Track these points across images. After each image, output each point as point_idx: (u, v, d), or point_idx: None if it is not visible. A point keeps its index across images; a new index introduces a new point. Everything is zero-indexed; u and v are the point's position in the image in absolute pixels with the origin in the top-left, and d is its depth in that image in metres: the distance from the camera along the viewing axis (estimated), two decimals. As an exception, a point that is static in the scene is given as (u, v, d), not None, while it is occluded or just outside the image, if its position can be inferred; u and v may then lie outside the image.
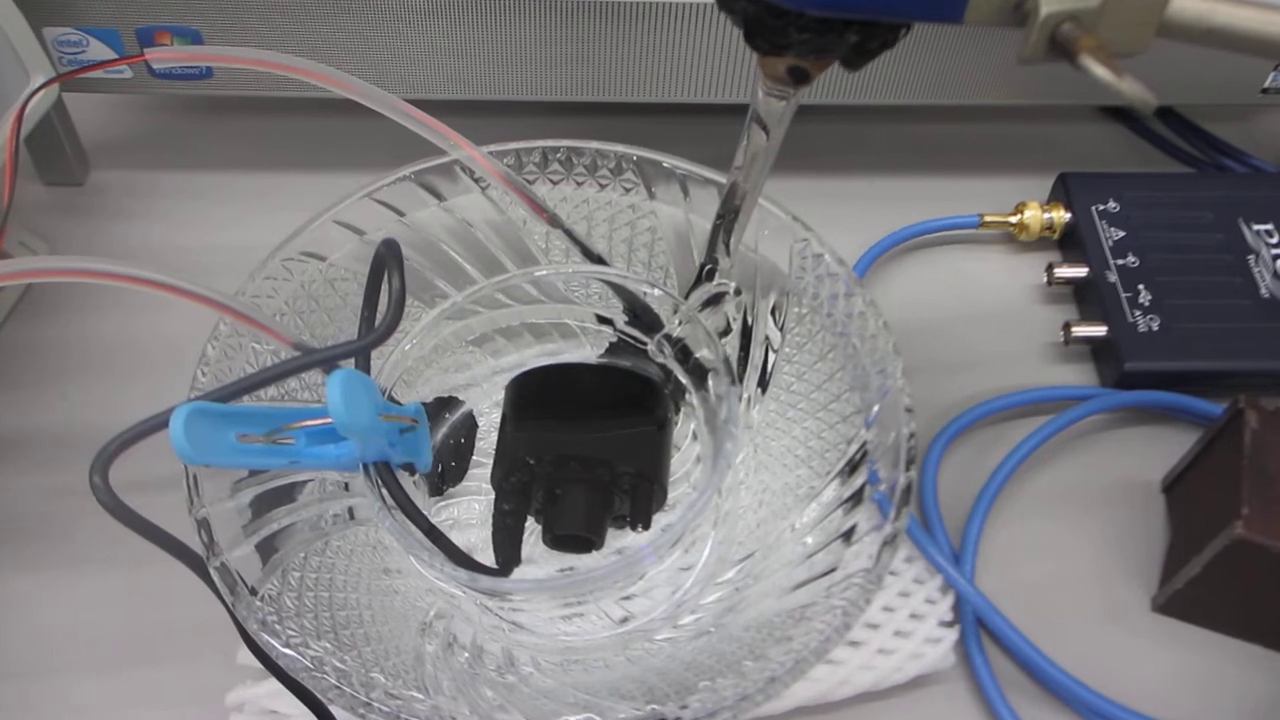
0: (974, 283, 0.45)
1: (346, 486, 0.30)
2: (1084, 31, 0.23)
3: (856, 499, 0.28)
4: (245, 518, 0.27)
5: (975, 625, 0.34)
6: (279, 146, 0.48)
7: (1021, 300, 0.44)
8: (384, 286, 0.27)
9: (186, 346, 0.30)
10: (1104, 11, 0.23)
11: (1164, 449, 0.39)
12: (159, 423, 0.23)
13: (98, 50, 0.41)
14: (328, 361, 0.25)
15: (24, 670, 0.33)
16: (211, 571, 0.24)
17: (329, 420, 0.24)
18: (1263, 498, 0.33)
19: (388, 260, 0.27)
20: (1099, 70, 0.22)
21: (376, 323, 0.26)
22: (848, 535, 0.27)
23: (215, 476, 0.27)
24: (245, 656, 0.31)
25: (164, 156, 0.47)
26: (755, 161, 0.29)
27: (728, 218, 0.31)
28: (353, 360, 0.26)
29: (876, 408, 0.29)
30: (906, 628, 0.33)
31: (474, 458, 0.33)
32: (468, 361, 0.34)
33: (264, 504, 0.28)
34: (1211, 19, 0.24)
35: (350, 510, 0.30)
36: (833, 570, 0.27)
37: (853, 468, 0.29)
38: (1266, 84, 0.46)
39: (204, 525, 0.25)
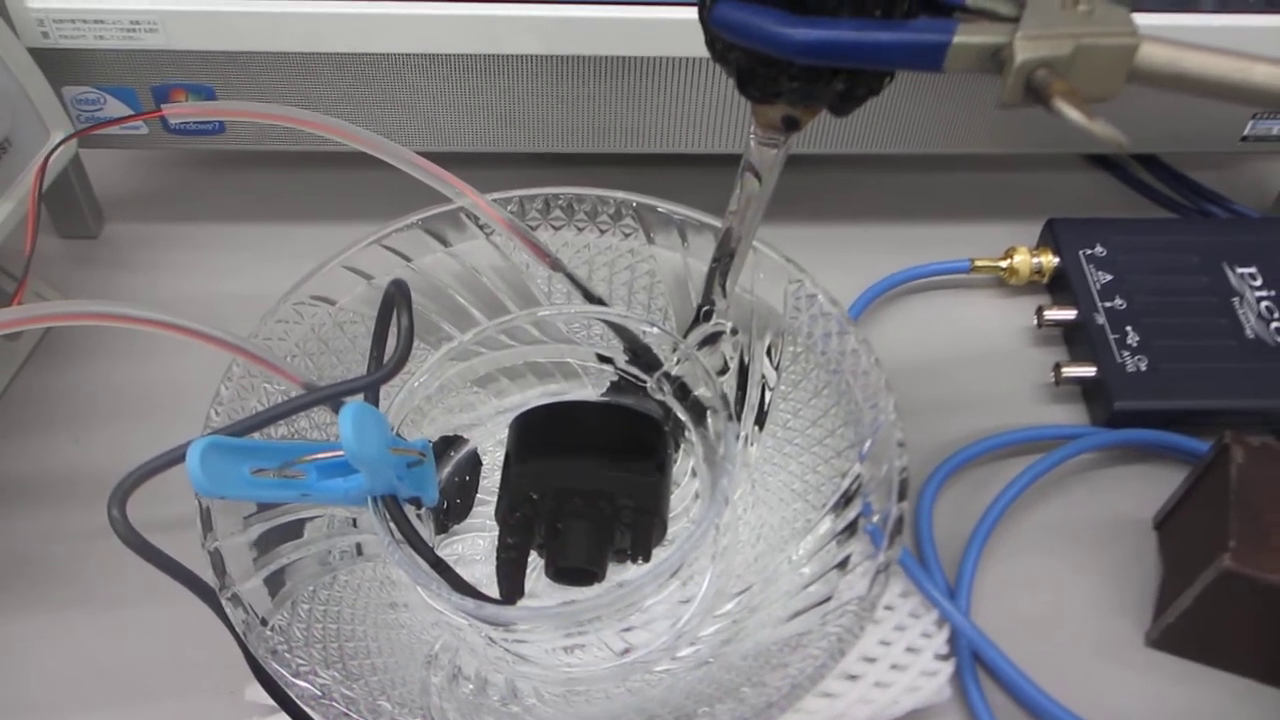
0: (966, 325, 0.46)
1: (354, 523, 0.31)
2: (1057, 77, 0.24)
3: (851, 530, 0.29)
4: (254, 552, 0.28)
5: (971, 659, 0.35)
6: (286, 199, 0.49)
7: (1012, 342, 0.45)
8: (392, 326, 0.28)
9: (196, 392, 0.31)
10: (1075, 59, 0.24)
11: (1155, 486, 0.40)
12: (176, 457, 0.24)
13: (115, 108, 0.43)
14: (339, 397, 0.26)
15: (33, 707, 0.33)
16: (223, 602, 0.25)
17: (339, 454, 0.25)
18: (1250, 530, 0.33)
19: (397, 299, 0.28)
20: (1071, 113, 0.23)
21: (385, 360, 0.27)
22: (842, 565, 0.28)
23: (227, 511, 0.27)
24: (253, 693, 0.31)
25: (175, 210, 0.48)
26: (749, 207, 0.30)
27: (723, 261, 0.32)
28: (362, 396, 0.27)
29: (869, 442, 0.30)
30: (903, 661, 0.33)
31: (478, 495, 0.34)
32: (472, 402, 0.35)
33: (271, 540, 0.28)
34: (1179, 65, 0.25)
35: (358, 546, 0.31)
36: (828, 599, 0.27)
37: (847, 500, 0.30)
38: (1246, 132, 0.47)
39: (216, 557, 0.26)
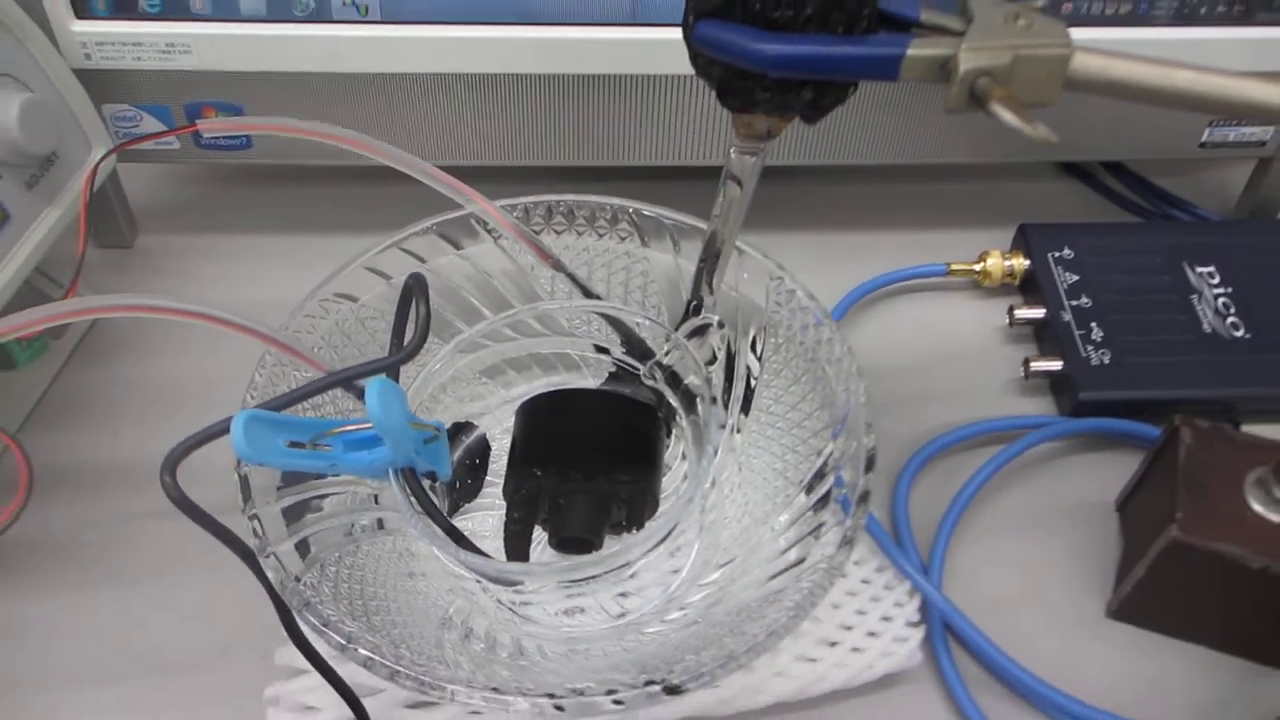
0: (942, 325, 0.49)
1: (376, 499, 0.34)
2: (996, 84, 0.27)
3: (824, 501, 0.32)
4: (284, 521, 0.31)
5: (942, 628, 0.37)
6: (308, 211, 0.52)
7: (986, 340, 0.49)
8: (411, 315, 0.31)
9: (228, 387, 0.34)
10: (1014, 68, 0.27)
11: (1118, 471, 0.43)
12: (222, 428, 0.27)
13: (150, 125, 0.46)
14: (364, 375, 0.29)
15: (76, 677, 0.36)
16: (262, 561, 0.28)
17: (364, 427, 0.28)
18: (1196, 504, 0.36)
19: (415, 290, 0.31)
20: (1007, 116, 0.26)
21: (405, 344, 0.30)
22: (816, 531, 0.31)
23: (260, 484, 0.30)
24: (282, 656, 0.35)
25: (204, 221, 0.52)
26: (731, 211, 0.33)
27: (710, 260, 0.35)
28: (385, 375, 0.30)
29: (842, 423, 0.33)
30: (877, 629, 0.36)
31: (487, 477, 0.37)
32: (480, 392, 0.38)
33: (298, 511, 0.31)
34: (1110, 72, 0.28)
35: (379, 521, 0.34)
36: (802, 561, 0.30)
37: (821, 475, 0.33)
38: (1204, 139, 0.50)
39: (255, 521, 0.29)
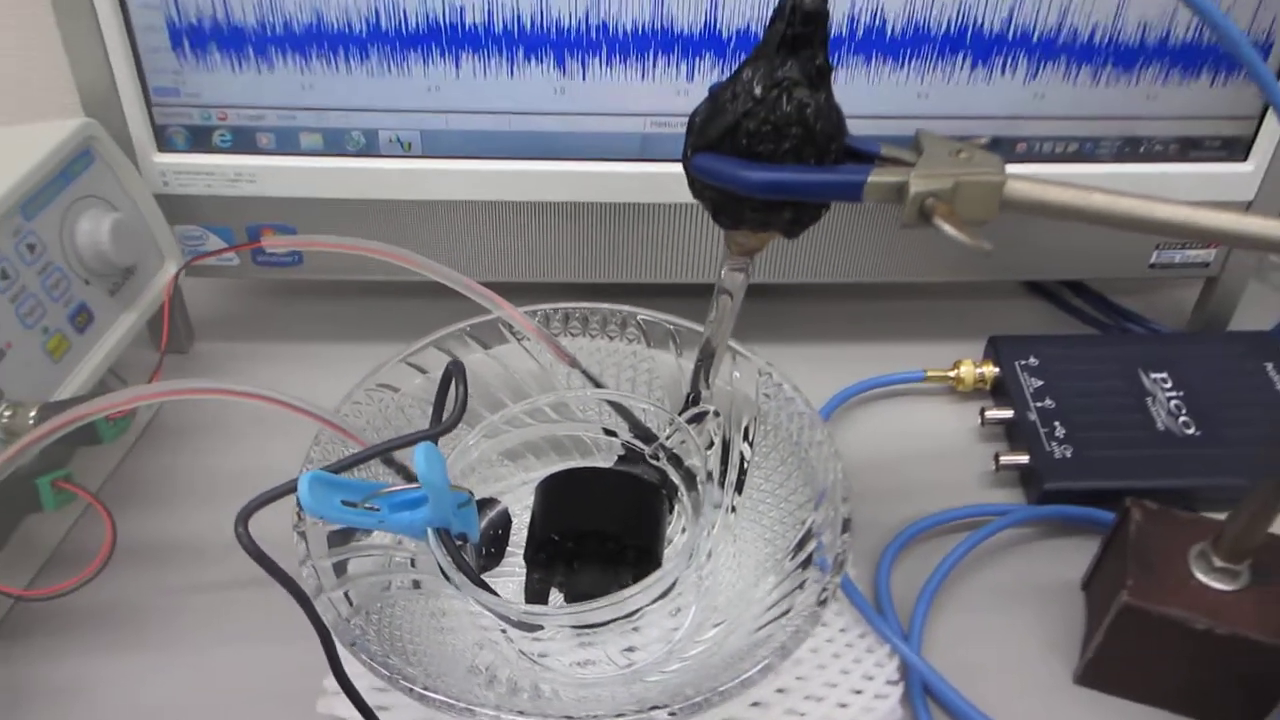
0: (921, 425, 0.54)
1: (413, 563, 0.38)
2: (941, 203, 0.33)
3: (807, 561, 0.36)
4: (334, 574, 0.35)
5: (921, 689, 0.41)
6: (351, 322, 0.58)
7: (960, 438, 0.53)
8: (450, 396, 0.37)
9: (280, 473, 0.39)
10: (956, 191, 0.33)
11: (1083, 554, 0.47)
12: (289, 487, 0.32)
13: (215, 243, 0.52)
14: (410, 444, 0.34)
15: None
16: (316, 604, 0.32)
17: (410, 487, 0.33)
18: (1145, 573, 0.40)
19: (455, 373, 0.36)
20: (949, 229, 0.32)
21: (444, 419, 0.35)
22: (800, 586, 0.35)
23: (315, 540, 0.35)
24: (325, 704, 0.38)
25: (256, 330, 0.58)
26: (723, 319, 0.39)
27: (705, 360, 0.40)
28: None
29: (822, 495, 0.38)
30: (860, 686, 0.40)
31: (508, 548, 0.41)
32: (503, 474, 0.43)
33: (341, 568, 0.36)
34: (1037, 195, 0.34)
35: (416, 582, 0.38)
36: (788, 611, 0.34)
37: (804, 541, 0.37)
38: (1152, 260, 0.56)
39: (313, 568, 0.33)
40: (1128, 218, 0.33)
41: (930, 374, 0.55)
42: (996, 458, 0.50)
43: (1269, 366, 0.54)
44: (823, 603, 0.33)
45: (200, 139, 0.50)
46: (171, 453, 0.50)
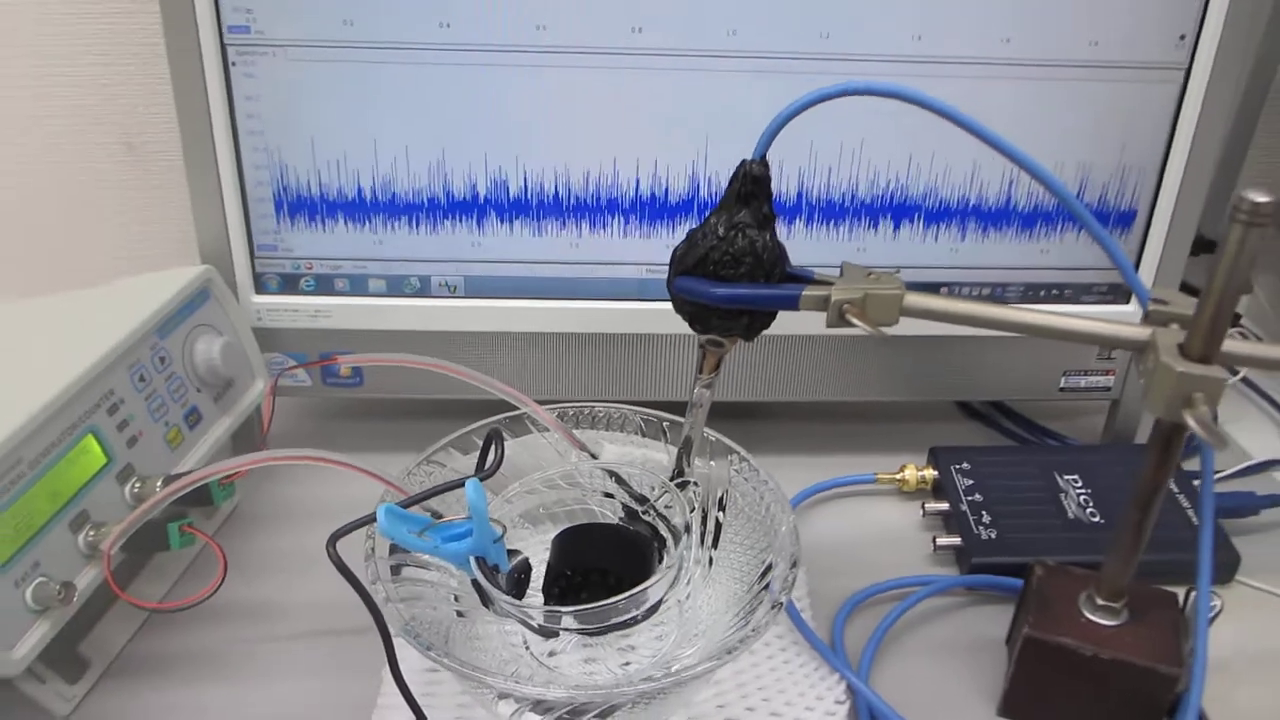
0: (873, 517, 0.64)
1: (456, 598, 0.48)
2: (853, 309, 0.45)
3: (765, 588, 0.46)
4: (399, 601, 0.45)
5: (867, 713, 0.50)
6: (401, 437, 0.68)
7: (905, 527, 0.64)
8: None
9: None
10: (866, 300, 0.45)
11: (1008, 618, 0.56)
12: (370, 518, 0.43)
13: (295, 368, 0.64)
14: (461, 484, 0.45)
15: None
16: (384, 611, 0.42)
17: (458, 518, 0.44)
18: (1044, 613, 0.50)
19: (495, 435, 0.47)
20: (858, 324, 0.44)
21: (486, 467, 0.46)
22: (759, 597, 0.45)
23: (381, 565, 0.45)
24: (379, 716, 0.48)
25: (321, 442, 0.66)
26: (697, 419, 0.50)
27: (685, 447, 0.51)
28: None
29: (775, 537, 0.48)
30: (813, 705, 0.49)
31: (529, 589, 0.51)
32: (524, 535, 0.53)
33: (405, 594, 0.46)
34: (928, 305, 0.46)
35: (458, 612, 0.48)
36: (748, 621, 0.44)
37: (763, 574, 0.47)
38: (1061, 385, 0.68)
39: (379, 586, 0.44)
40: (986, 318, 0.45)
41: (880, 476, 0.66)
42: (934, 540, 0.61)
43: (1165, 471, 0.65)
44: (775, 608, 0.43)
45: (290, 284, 0.63)
46: (243, 536, 0.61)
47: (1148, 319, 0.45)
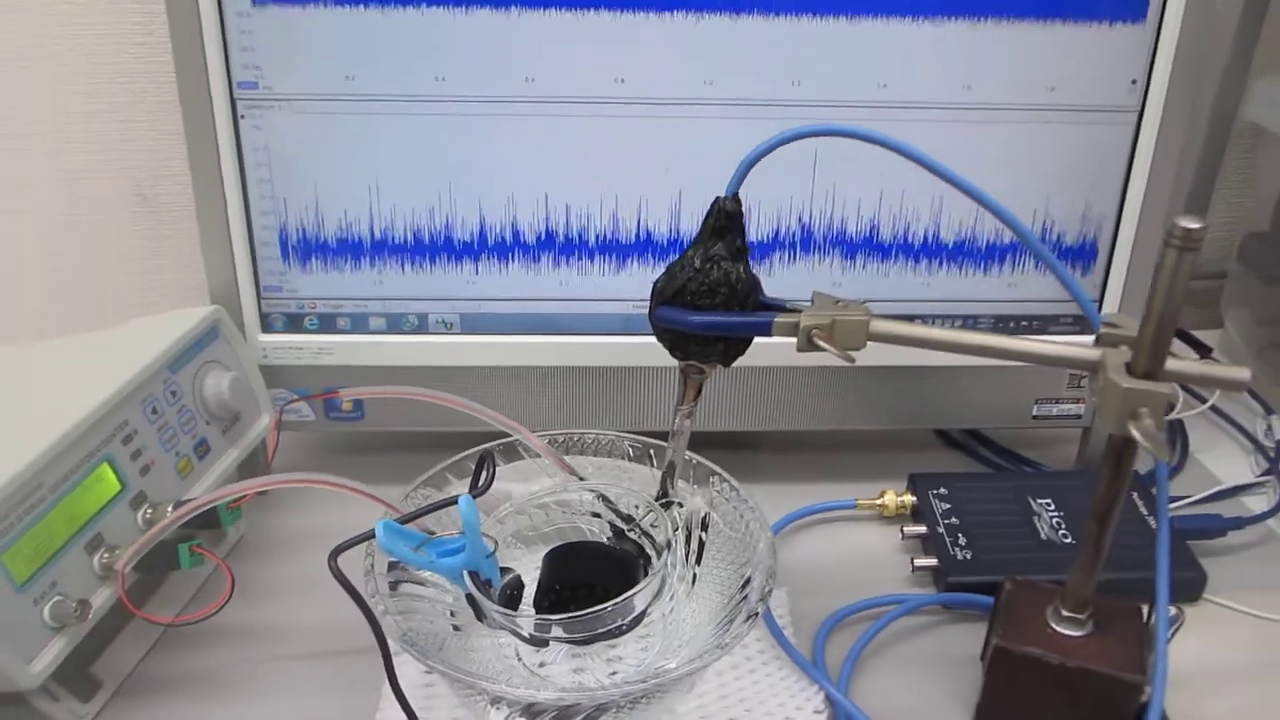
0: (853, 542, 0.67)
1: (452, 613, 0.51)
2: (822, 334, 0.48)
3: (744, 598, 0.49)
4: (398, 614, 0.48)
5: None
6: (399, 468, 0.71)
7: (885, 550, 0.66)
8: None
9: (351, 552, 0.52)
10: (834, 326, 0.48)
11: (981, 634, 0.59)
12: (369, 534, 0.46)
13: (298, 401, 0.67)
14: (454, 501, 0.48)
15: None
16: (381, 622, 0.45)
17: (450, 534, 0.46)
18: (1013, 625, 0.53)
19: (487, 457, 0.50)
20: (826, 347, 0.47)
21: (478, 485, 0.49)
22: (739, 606, 0.48)
23: (382, 578, 0.48)
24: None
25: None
26: (679, 445, 0.53)
27: (669, 470, 0.54)
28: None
29: (754, 552, 0.51)
30: (794, 715, 0.51)
31: (521, 607, 0.53)
32: (516, 555, 0.56)
33: (403, 606, 0.49)
34: (893, 330, 0.49)
35: (455, 626, 0.50)
36: (728, 627, 0.47)
37: (744, 586, 0.50)
38: (1034, 413, 0.71)
39: (379, 599, 0.46)
40: (948, 342, 0.48)
41: (861, 502, 0.68)
42: (912, 561, 0.63)
43: (1134, 495, 0.67)
44: (750, 617, 0.46)
45: (294, 323, 0.67)
46: (248, 563, 0.64)
47: (1099, 341, 0.48)
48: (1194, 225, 0.43)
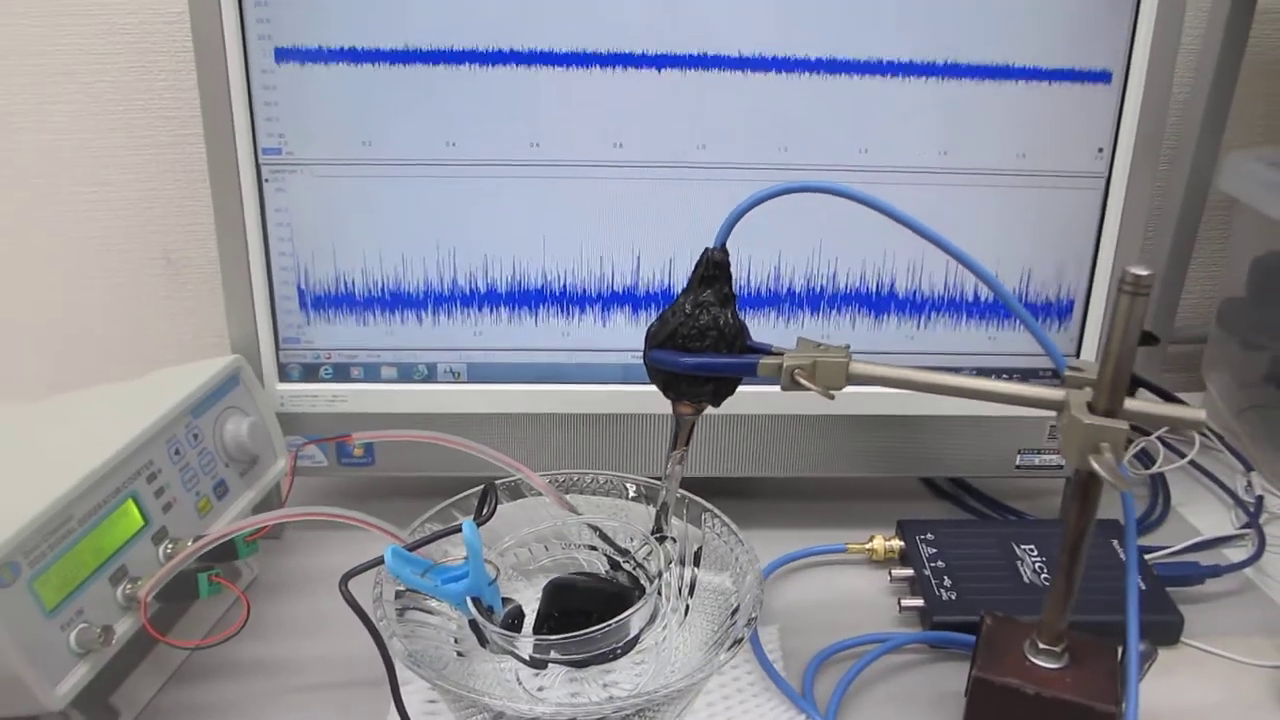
0: (842, 584, 0.69)
1: (456, 640, 0.53)
2: (804, 373, 0.51)
3: (732, 625, 0.51)
4: (406, 639, 0.50)
5: (831, 751, 0.54)
6: (409, 513, 0.74)
7: (873, 592, 0.69)
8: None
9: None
10: (815, 366, 0.51)
11: (965, 671, 0.61)
12: (378, 560, 0.49)
13: (311, 447, 0.71)
14: (459, 529, 0.51)
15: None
16: (388, 643, 0.48)
17: (454, 560, 0.49)
18: (991, 657, 0.55)
19: (490, 489, 0.53)
20: (810, 387, 0.50)
21: (482, 514, 0.52)
22: (727, 631, 0.50)
23: (389, 604, 0.51)
24: (383, 746, 0.52)
25: (336, 524, 0.74)
26: (671, 488, 0.56)
27: (663, 509, 0.57)
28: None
29: (742, 585, 0.53)
30: (782, 740, 0.54)
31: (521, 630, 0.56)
32: (517, 587, 0.58)
33: (410, 630, 0.51)
34: (871, 371, 0.52)
35: (459, 652, 0.53)
36: (716, 650, 0.49)
37: (732, 614, 0.52)
38: (1017, 463, 0.74)
39: (387, 624, 0.49)
40: (923, 383, 0.51)
41: (851, 546, 0.71)
42: (899, 602, 0.65)
43: (1114, 542, 0.70)
44: (737, 642, 0.49)
45: (310, 372, 0.70)
46: (262, 601, 0.66)
47: (1064, 383, 0.51)
48: (1143, 272, 0.46)
